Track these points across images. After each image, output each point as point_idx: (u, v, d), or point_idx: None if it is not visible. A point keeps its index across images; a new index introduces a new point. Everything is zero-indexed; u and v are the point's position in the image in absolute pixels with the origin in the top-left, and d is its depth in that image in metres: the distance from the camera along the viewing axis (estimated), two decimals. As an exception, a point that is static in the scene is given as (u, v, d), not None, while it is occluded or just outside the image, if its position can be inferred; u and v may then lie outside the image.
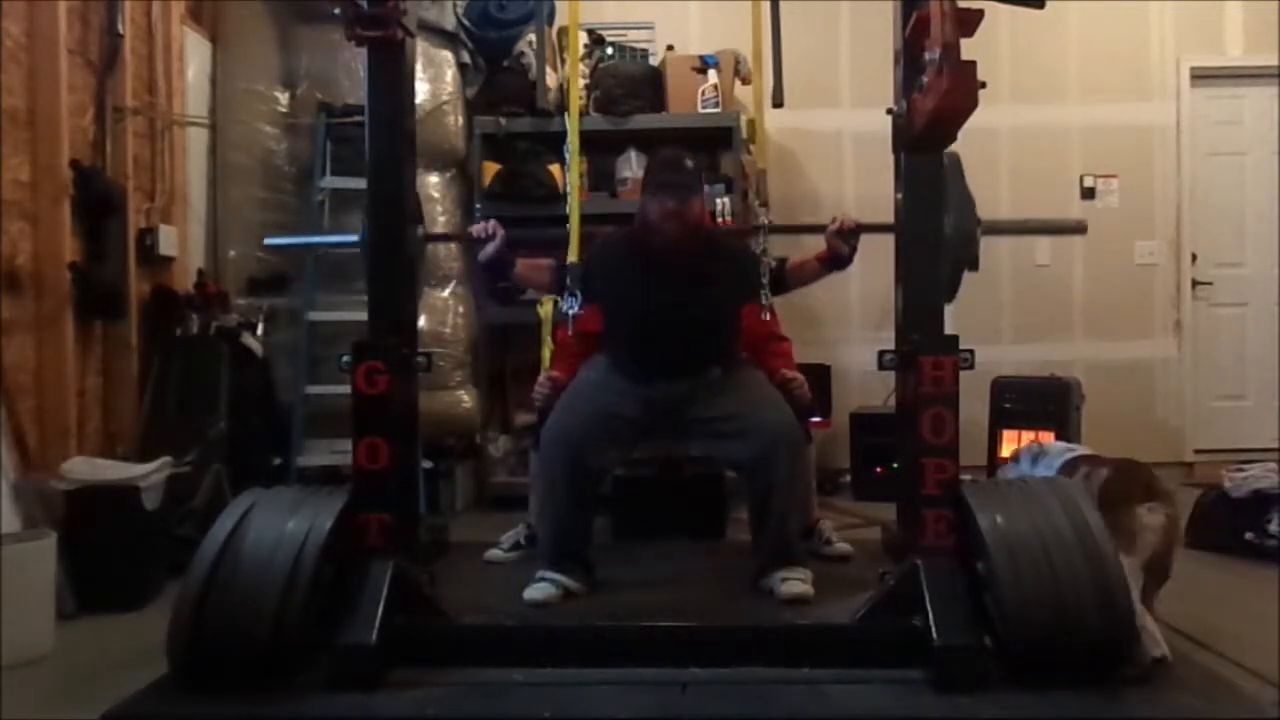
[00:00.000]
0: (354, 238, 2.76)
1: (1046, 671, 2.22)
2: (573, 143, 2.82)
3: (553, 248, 3.32)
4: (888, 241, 2.79)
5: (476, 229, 2.83)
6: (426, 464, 4.31)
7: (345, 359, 2.56)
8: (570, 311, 2.83)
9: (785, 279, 3.00)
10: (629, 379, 2.88)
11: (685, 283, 2.84)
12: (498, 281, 2.97)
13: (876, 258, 2.94)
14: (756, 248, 2.92)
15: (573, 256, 2.81)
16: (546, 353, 3.97)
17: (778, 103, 2.85)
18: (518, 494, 4.23)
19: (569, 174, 2.84)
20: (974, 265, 2.54)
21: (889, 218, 2.75)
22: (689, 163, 2.84)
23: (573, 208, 2.82)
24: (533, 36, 4.45)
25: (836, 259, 2.91)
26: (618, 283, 2.88)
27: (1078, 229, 2.77)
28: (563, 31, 4.74)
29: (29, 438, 3.39)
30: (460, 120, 4.81)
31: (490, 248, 2.80)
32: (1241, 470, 3.98)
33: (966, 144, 2.61)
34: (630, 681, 2.31)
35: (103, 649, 2.88)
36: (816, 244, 2.96)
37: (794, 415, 2.89)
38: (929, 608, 2.30)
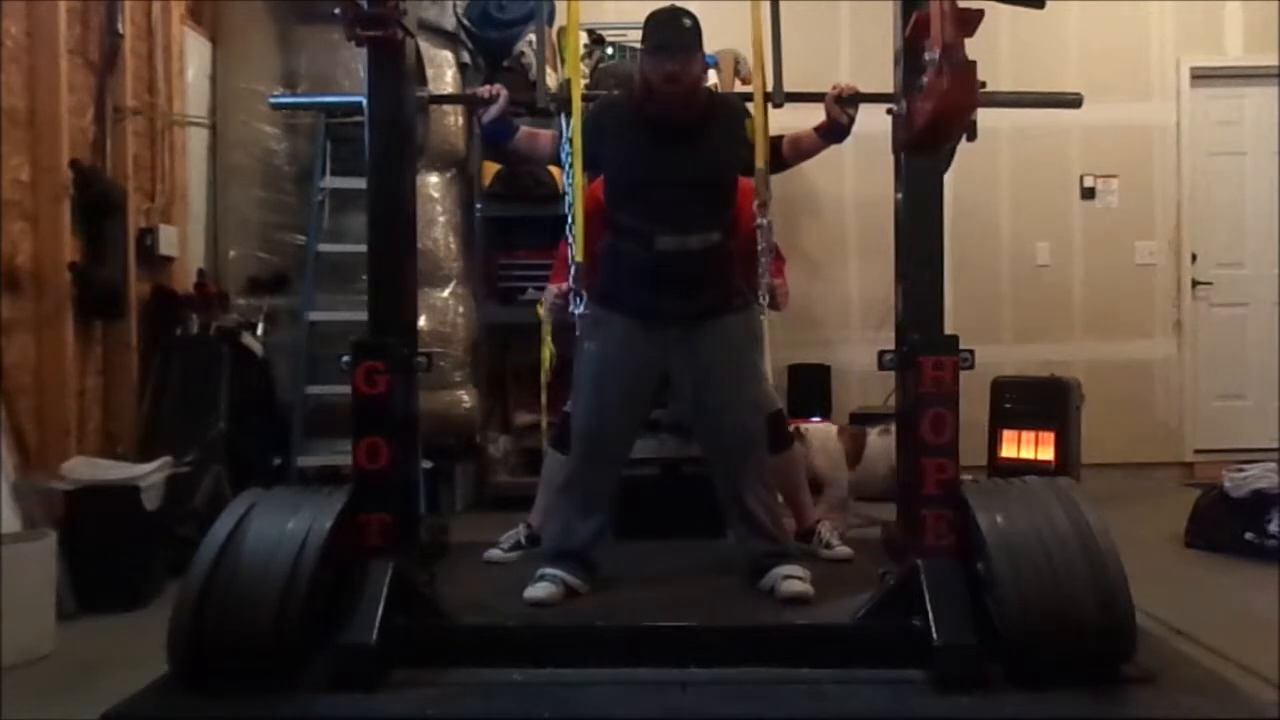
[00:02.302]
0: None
1: (1046, 671, 2.21)
2: (574, 143, 2.80)
3: (553, 246, 3.32)
4: (888, 241, 2.79)
5: (483, 90, 2.89)
6: (426, 464, 4.31)
7: (345, 359, 2.56)
8: (576, 313, 2.81)
9: (783, 155, 2.91)
10: (634, 315, 2.83)
11: (685, 144, 2.80)
12: (499, 145, 3.06)
13: (876, 258, 2.93)
14: (758, 246, 2.90)
15: (578, 257, 2.79)
16: (546, 353, 3.97)
17: (778, 103, 2.83)
18: (518, 494, 4.23)
19: (570, 174, 2.82)
20: None
21: (889, 218, 2.75)
22: (687, 21, 2.74)
23: (575, 207, 2.80)
24: (532, 36, 4.45)
25: (835, 128, 2.82)
26: (619, 147, 2.84)
27: (1073, 102, 2.78)
28: (562, 31, 4.74)
29: (29, 438, 3.39)
30: (460, 120, 4.81)
31: (493, 109, 2.83)
32: (1241, 470, 3.98)
33: (967, 143, 2.62)
34: (630, 681, 2.31)
35: (103, 649, 2.88)
36: (818, 116, 2.84)
37: (762, 415, 2.93)
38: (929, 608, 2.30)
